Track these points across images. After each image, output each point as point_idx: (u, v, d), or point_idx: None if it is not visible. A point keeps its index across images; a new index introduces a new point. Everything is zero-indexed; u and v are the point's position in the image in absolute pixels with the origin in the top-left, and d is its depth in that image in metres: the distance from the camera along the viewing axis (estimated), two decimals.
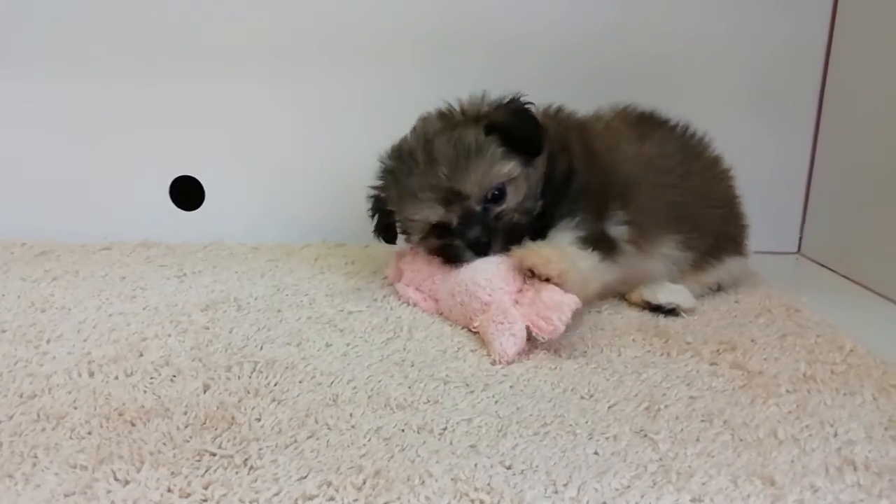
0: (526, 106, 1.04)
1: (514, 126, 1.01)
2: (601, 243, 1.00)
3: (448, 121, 1.03)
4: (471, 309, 0.98)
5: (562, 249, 0.97)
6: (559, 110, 1.11)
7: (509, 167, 0.99)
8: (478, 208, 1.00)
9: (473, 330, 0.98)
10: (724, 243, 1.14)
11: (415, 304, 1.07)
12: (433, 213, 1.01)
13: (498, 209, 1.00)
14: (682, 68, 1.37)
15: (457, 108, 1.05)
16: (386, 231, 1.12)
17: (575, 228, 1.00)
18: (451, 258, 1.03)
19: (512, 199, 1.00)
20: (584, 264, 0.97)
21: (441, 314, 1.04)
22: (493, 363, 0.90)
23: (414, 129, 1.06)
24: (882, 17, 1.25)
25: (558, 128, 1.06)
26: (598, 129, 1.11)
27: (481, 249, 1.00)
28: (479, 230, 0.99)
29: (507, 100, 1.04)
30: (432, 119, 1.05)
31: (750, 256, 1.19)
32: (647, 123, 1.14)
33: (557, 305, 0.90)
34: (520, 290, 0.96)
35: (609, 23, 1.34)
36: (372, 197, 1.11)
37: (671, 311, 1.06)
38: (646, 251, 1.06)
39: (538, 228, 1.01)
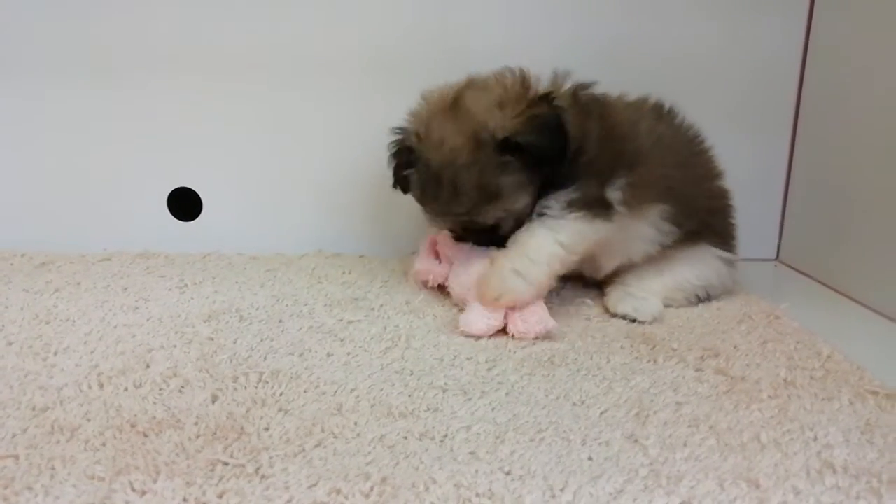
0: (558, 121, 1.03)
1: (540, 147, 1.03)
2: (595, 205, 1.04)
3: (479, 146, 1.02)
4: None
5: (498, 272, 1.04)
6: (583, 90, 1.10)
7: (523, 202, 1.06)
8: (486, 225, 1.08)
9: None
10: (708, 235, 1.18)
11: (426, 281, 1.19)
12: (446, 227, 1.14)
13: (503, 224, 1.08)
14: (662, 80, 1.39)
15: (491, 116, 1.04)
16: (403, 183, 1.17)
17: (571, 193, 1.04)
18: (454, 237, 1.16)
19: (516, 213, 1.07)
20: (534, 270, 1.03)
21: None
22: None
23: (456, 116, 1.05)
24: (855, 28, 1.29)
25: (578, 115, 1.06)
26: (622, 106, 1.15)
27: (483, 245, 1.11)
28: (486, 240, 1.10)
29: (544, 114, 1.03)
30: (470, 128, 1.03)
31: (735, 257, 1.22)
32: (665, 110, 1.20)
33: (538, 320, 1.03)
34: None
35: (593, 40, 1.38)
36: (398, 153, 1.16)
37: (633, 320, 1.11)
38: (636, 215, 1.10)
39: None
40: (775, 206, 1.49)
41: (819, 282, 1.36)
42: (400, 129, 1.15)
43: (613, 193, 1.06)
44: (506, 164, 1.03)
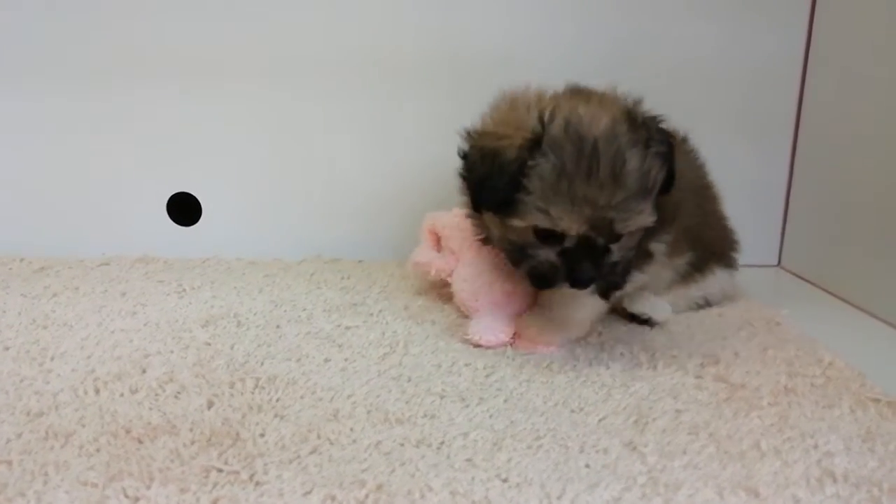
0: (671, 143, 0.92)
1: (671, 163, 0.90)
2: (641, 258, 0.99)
3: (636, 126, 0.88)
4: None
5: (541, 321, 1.02)
6: None
7: (650, 220, 0.90)
8: (601, 241, 0.90)
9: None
10: (711, 256, 1.17)
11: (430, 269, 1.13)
12: (574, 227, 0.87)
13: (616, 252, 0.92)
14: (662, 85, 1.39)
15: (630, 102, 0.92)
16: (502, 200, 0.90)
17: None
18: (535, 277, 0.93)
19: (629, 242, 0.93)
20: (576, 323, 1.03)
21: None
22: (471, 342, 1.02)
23: (589, 100, 0.90)
24: (856, 33, 1.29)
25: None
26: None
27: (579, 285, 0.90)
28: (592, 270, 0.89)
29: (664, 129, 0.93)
30: (618, 107, 0.90)
31: (737, 270, 1.22)
32: (681, 142, 1.11)
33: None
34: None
35: (594, 43, 1.37)
36: (511, 156, 0.88)
37: (646, 321, 1.10)
38: (666, 264, 1.08)
39: None
40: (776, 211, 1.48)
41: (820, 288, 1.35)
42: (487, 130, 0.94)
43: (658, 247, 1.00)
44: (657, 155, 0.88)
